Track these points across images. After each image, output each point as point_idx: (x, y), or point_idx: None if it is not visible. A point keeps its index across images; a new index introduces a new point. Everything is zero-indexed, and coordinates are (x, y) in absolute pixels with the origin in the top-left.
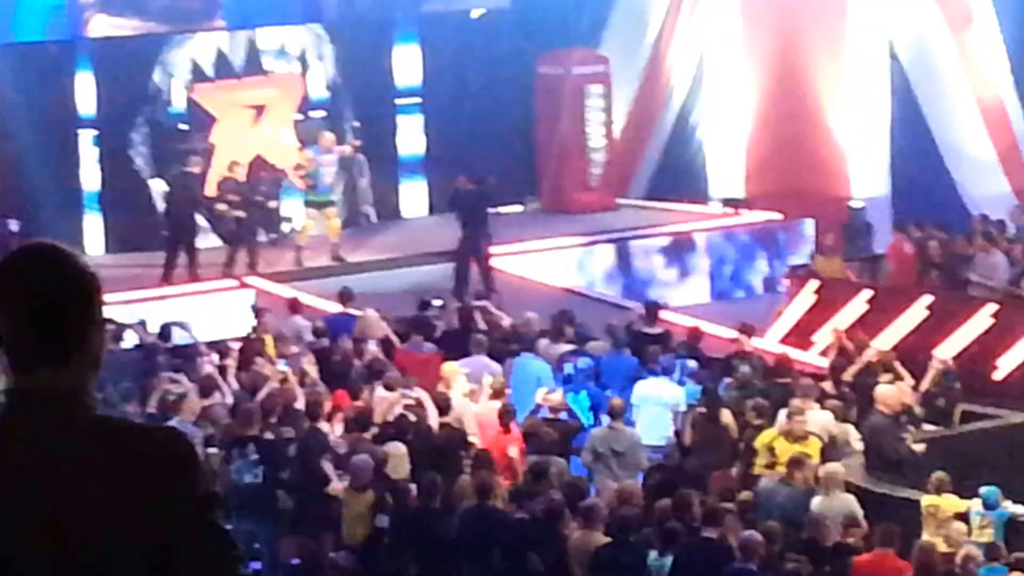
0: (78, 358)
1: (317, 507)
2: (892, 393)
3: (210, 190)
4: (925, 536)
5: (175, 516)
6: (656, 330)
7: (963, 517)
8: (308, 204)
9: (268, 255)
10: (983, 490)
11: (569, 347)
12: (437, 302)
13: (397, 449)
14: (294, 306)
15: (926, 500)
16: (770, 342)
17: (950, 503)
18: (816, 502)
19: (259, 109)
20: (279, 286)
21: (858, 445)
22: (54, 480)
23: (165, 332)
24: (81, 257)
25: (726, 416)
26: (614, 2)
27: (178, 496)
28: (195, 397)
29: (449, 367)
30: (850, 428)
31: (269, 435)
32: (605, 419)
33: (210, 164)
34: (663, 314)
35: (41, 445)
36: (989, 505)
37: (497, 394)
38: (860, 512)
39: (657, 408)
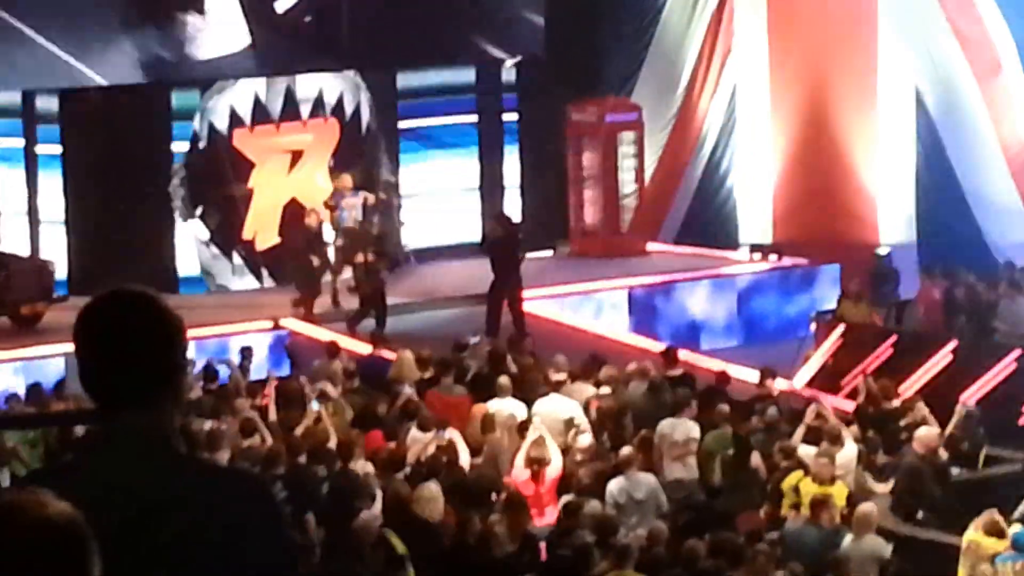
0: (163, 400)
1: (346, 546)
2: (931, 435)
3: (247, 233)
4: (961, 574)
5: (257, 563)
6: (676, 372)
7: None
8: (336, 248)
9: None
10: (1014, 532)
11: (597, 390)
12: (475, 339)
13: (430, 490)
14: (332, 349)
15: (970, 535)
16: (798, 386)
17: (992, 544)
18: (846, 544)
19: (296, 155)
20: (313, 327)
21: (878, 488)
22: (141, 518)
23: (211, 370)
24: (164, 302)
25: (754, 458)
26: (646, 51)
27: (263, 544)
28: (230, 436)
29: (480, 409)
30: (867, 474)
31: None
32: None
33: (248, 208)
34: (693, 358)
35: (130, 484)
36: (1020, 548)
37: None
38: (889, 554)
39: (681, 448)
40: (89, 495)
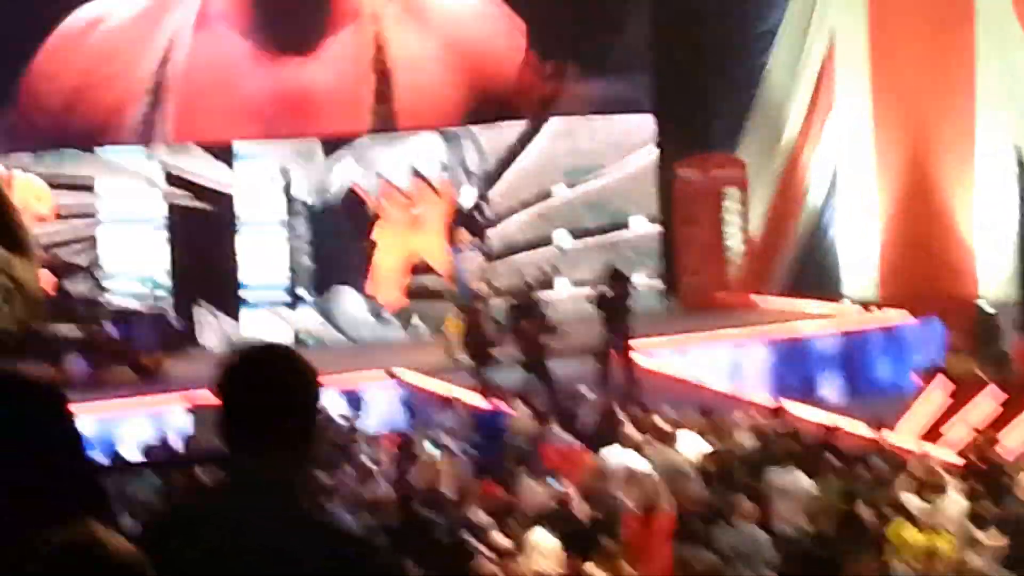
0: (295, 451)
1: None
2: None
3: (370, 288)
4: None
5: None
6: (783, 423)
7: None
8: (455, 303)
9: (420, 350)
10: None
11: (706, 441)
12: (584, 390)
13: (545, 538)
14: (449, 401)
15: None
16: (903, 438)
17: None
18: None
19: (415, 214)
20: (429, 380)
21: (984, 539)
22: (254, 562)
23: (329, 420)
24: (303, 356)
25: (862, 509)
26: (751, 108)
27: None
28: (347, 485)
29: (593, 459)
30: (972, 525)
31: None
32: None
33: (370, 262)
34: (799, 410)
35: (248, 535)
36: None
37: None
38: None
39: (789, 499)
40: (208, 542)
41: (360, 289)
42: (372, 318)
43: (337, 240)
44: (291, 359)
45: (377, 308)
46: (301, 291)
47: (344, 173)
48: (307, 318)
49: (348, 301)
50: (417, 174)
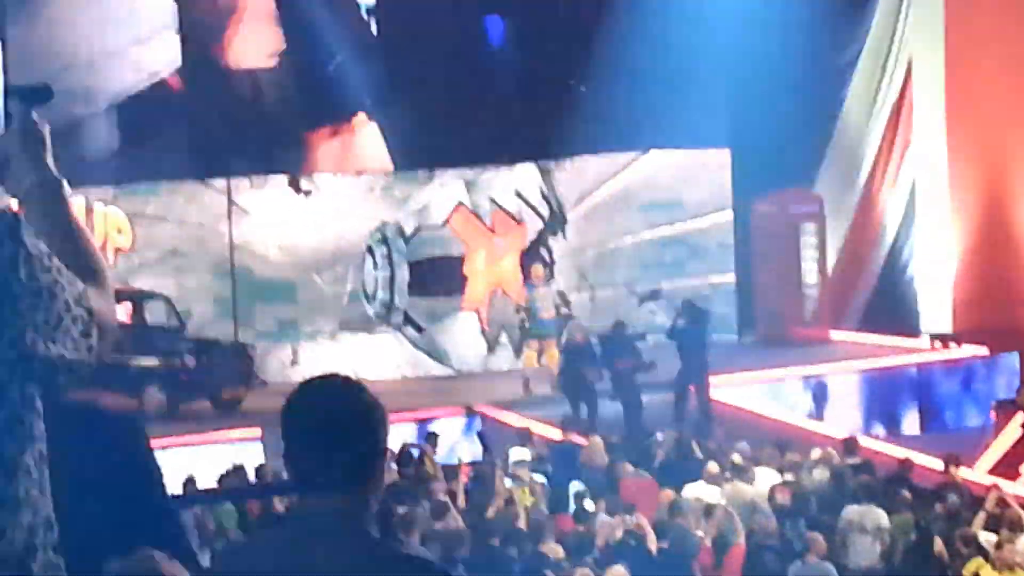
0: (362, 483)
1: None
2: None
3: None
4: None
5: None
6: (856, 460)
7: None
8: (530, 336)
9: (494, 384)
10: None
11: (780, 476)
12: (660, 435)
13: (619, 573)
14: (524, 434)
15: None
16: (979, 474)
17: None
18: None
19: (499, 245)
20: (505, 413)
21: None
22: None
23: (404, 456)
24: (369, 389)
25: (937, 545)
26: (827, 143)
27: None
28: (423, 519)
29: (667, 493)
30: None
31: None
32: None
33: (463, 293)
34: (875, 445)
35: (318, 564)
36: None
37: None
38: None
39: (864, 534)
40: (277, 571)
41: (455, 315)
42: (474, 346)
43: (433, 269)
44: (355, 391)
45: (483, 334)
46: (396, 322)
47: (444, 201)
48: (397, 347)
49: (445, 329)
50: (498, 205)
